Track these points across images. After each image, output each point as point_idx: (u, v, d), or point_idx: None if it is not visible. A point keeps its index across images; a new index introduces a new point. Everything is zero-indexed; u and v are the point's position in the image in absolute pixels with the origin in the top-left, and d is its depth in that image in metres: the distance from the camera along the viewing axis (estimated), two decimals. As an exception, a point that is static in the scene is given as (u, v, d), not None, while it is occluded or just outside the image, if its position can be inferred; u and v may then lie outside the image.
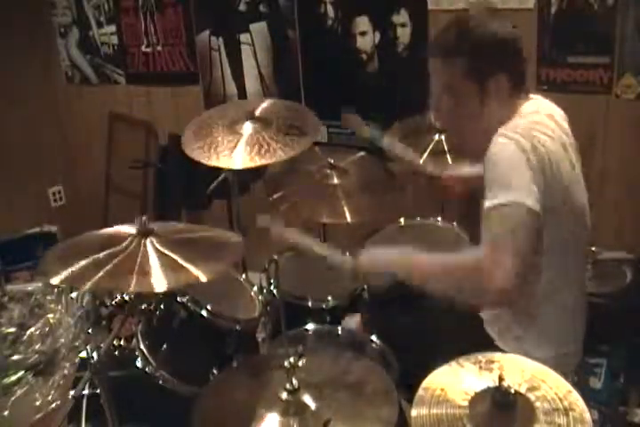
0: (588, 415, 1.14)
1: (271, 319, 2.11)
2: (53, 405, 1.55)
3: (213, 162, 2.15)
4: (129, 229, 1.57)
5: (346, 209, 2.33)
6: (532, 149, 1.50)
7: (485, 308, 1.75)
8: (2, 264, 3.01)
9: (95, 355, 1.53)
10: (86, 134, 3.88)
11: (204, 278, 1.43)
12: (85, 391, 1.71)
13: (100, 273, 1.40)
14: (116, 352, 1.88)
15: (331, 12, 2.92)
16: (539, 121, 1.60)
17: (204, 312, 1.83)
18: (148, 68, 3.53)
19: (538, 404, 1.16)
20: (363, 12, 2.85)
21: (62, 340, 1.64)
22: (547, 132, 1.59)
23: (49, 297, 1.74)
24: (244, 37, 3.18)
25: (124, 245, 1.51)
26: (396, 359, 1.90)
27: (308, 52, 3.04)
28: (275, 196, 2.41)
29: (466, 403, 1.18)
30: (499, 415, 1.15)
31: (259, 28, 3.13)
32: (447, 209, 2.68)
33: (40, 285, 1.78)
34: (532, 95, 1.69)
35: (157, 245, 1.51)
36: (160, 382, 1.80)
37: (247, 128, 2.23)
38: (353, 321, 2.23)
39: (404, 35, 2.78)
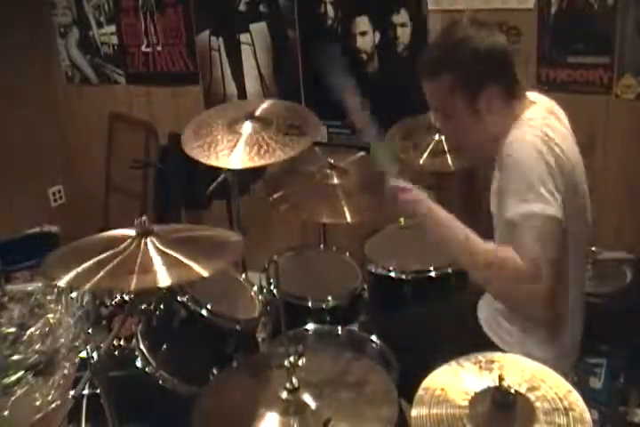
0: (587, 415, 1.14)
1: (271, 319, 2.12)
2: (53, 405, 1.55)
3: (213, 161, 2.15)
4: (128, 231, 1.57)
5: (346, 209, 2.33)
6: (549, 151, 1.49)
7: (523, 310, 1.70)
8: (2, 264, 3.01)
9: (95, 355, 1.53)
10: (86, 134, 3.88)
11: (205, 274, 1.43)
12: (85, 391, 1.71)
13: (101, 273, 1.40)
14: (116, 352, 1.88)
15: (331, 11, 2.92)
16: (550, 124, 1.59)
17: (204, 312, 1.83)
18: (148, 68, 3.53)
19: (538, 404, 1.16)
20: (363, 12, 2.85)
21: (62, 340, 1.64)
22: (560, 129, 1.60)
23: (49, 297, 1.74)
24: (244, 37, 3.18)
25: (123, 246, 1.51)
26: (396, 359, 1.90)
27: (308, 52, 3.04)
28: (275, 196, 2.41)
29: (466, 403, 1.18)
30: (499, 415, 1.15)
31: (259, 28, 3.13)
32: (447, 209, 2.68)
33: (40, 285, 1.78)
34: (528, 93, 1.67)
35: (158, 244, 1.51)
36: (160, 382, 1.80)
37: (247, 128, 2.23)
38: None
39: (404, 35, 2.78)
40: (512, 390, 1.15)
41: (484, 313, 1.85)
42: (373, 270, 2.31)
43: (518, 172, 1.49)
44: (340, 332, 2.12)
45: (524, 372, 1.23)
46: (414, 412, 1.18)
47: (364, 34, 2.88)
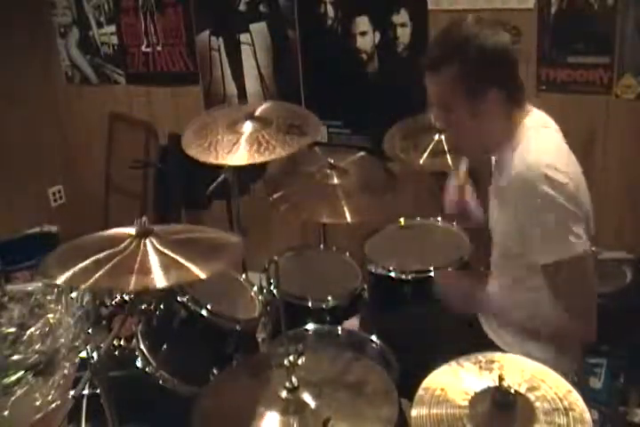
0: (587, 415, 1.14)
1: (271, 319, 2.12)
2: (53, 405, 1.55)
3: (213, 160, 2.15)
4: (128, 230, 1.57)
5: (346, 209, 2.33)
6: (562, 181, 1.49)
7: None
8: (2, 264, 3.01)
9: (95, 355, 1.53)
10: (86, 134, 3.88)
11: (203, 276, 1.43)
12: (85, 391, 1.71)
13: (100, 272, 1.40)
14: (116, 352, 1.88)
15: (331, 12, 2.92)
16: (559, 144, 1.60)
17: (204, 312, 1.83)
18: (148, 68, 3.53)
19: (538, 404, 1.16)
20: (363, 12, 2.85)
21: (62, 340, 1.64)
22: (565, 148, 1.60)
23: (49, 297, 1.74)
24: (243, 37, 3.18)
25: (123, 245, 1.51)
26: (396, 359, 1.90)
27: (308, 52, 3.04)
28: (275, 196, 2.41)
29: (466, 403, 1.18)
30: (499, 415, 1.15)
31: (259, 28, 3.13)
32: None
33: (40, 285, 1.77)
34: (528, 107, 1.66)
35: (157, 245, 1.51)
36: (160, 382, 1.80)
37: (247, 127, 2.24)
38: (351, 325, 2.22)
39: (404, 35, 2.78)
40: (512, 390, 1.15)
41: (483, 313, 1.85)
42: (373, 270, 2.31)
43: (541, 217, 1.50)
44: (339, 332, 2.12)
45: (524, 372, 1.23)
46: (414, 412, 1.18)
47: (364, 34, 2.88)
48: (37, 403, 1.53)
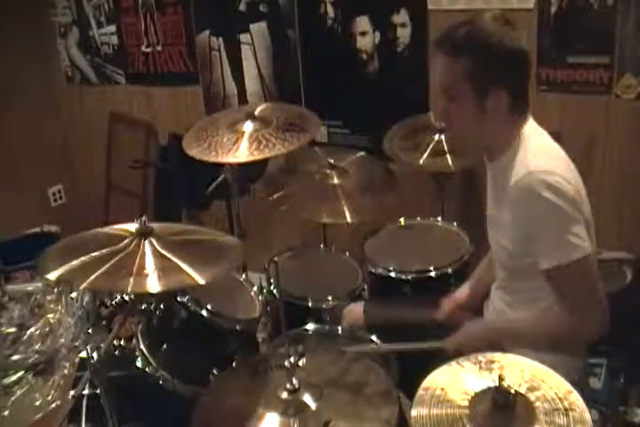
0: (587, 415, 1.14)
1: (271, 319, 2.12)
2: (53, 405, 1.55)
3: (213, 158, 2.15)
4: (129, 226, 1.57)
5: (346, 209, 2.33)
6: (561, 186, 1.49)
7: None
8: (2, 264, 3.01)
9: (95, 355, 1.53)
10: (86, 134, 3.88)
11: (202, 281, 1.43)
12: (85, 391, 1.71)
13: (98, 272, 1.40)
14: (116, 352, 1.88)
15: (331, 12, 2.92)
16: (557, 150, 1.60)
17: (204, 312, 1.83)
18: (148, 68, 3.53)
19: (538, 404, 1.16)
20: (363, 12, 2.85)
21: (62, 340, 1.63)
22: (564, 155, 1.60)
23: (49, 297, 1.74)
24: (243, 37, 3.18)
25: (122, 244, 1.51)
26: (396, 359, 1.90)
27: (308, 52, 3.04)
28: (275, 196, 2.41)
29: (466, 403, 1.18)
30: (499, 415, 1.15)
31: (259, 28, 3.13)
32: (447, 209, 2.68)
33: (40, 285, 1.77)
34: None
35: (157, 247, 1.51)
36: (160, 382, 1.80)
37: (248, 127, 2.24)
38: (356, 307, 2.20)
39: (404, 35, 2.78)
40: (512, 390, 1.15)
41: (484, 313, 1.85)
42: (373, 270, 2.31)
43: (544, 220, 1.50)
44: (339, 332, 2.12)
45: (524, 372, 1.23)
46: (414, 412, 1.18)
47: (364, 34, 2.88)
48: (37, 403, 1.53)
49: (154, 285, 1.41)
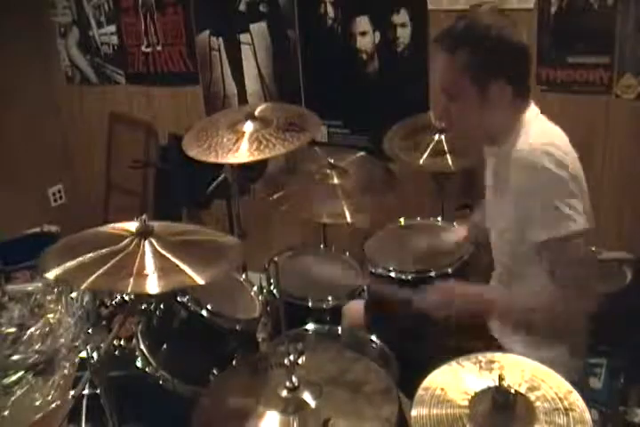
0: (587, 415, 1.15)
1: (271, 319, 2.12)
2: (53, 405, 1.55)
3: (213, 159, 2.15)
4: (129, 226, 1.57)
5: (346, 209, 2.33)
6: (563, 159, 1.50)
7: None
8: (2, 264, 3.01)
9: (95, 355, 1.53)
10: (86, 134, 3.88)
11: (202, 282, 1.43)
12: (85, 391, 1.71)
13: (98, 272, 1.40)
14: (116, 352, 1.88)
15: (331, 12, 2.92)
16: (559, 131, 1.61)
17: (204, 312, 1.83)
18: (148, 68, 3.53)
19: (538, 404, 1.16)
20: (363, 11, 2.85)
21: (62, 340, 1.64)
22: (565, 136, 1.61)
23: (49, 297, 1.74)
24: (243, 37, 3.18)
25: (123, 244, 1.51)
26: (396, 359, 1.90)
27: (308, 52, 3.04)
28: (275, 196, 2.41)
29: (466, 403, 1.18)
30: (499, 415, 1.15)
31: (259, 28, 3.13)
32: (447, 209, 2.68)
33: (40, 285, 1.78)
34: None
35: (157, 247, 1.51)
36: (160, 382, 1.80)
37: (248, 127, 2.24)
38: (356, 305, 2.20)
39: (404, 35, 2.78)
40: (512, 390, 1.15)
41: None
42: (373, 270, 2.31)
43: (542, 193, 1.51)
44: (339, 332, 2.12)
45: (524, 372, 1.23)
46: (414, 412, 1.18)
47: (364, 34, 2.88)
48: (37, 403, 1.53)
49: (154, 285, 1.40)
